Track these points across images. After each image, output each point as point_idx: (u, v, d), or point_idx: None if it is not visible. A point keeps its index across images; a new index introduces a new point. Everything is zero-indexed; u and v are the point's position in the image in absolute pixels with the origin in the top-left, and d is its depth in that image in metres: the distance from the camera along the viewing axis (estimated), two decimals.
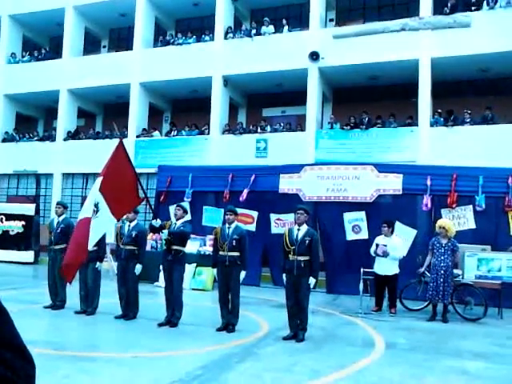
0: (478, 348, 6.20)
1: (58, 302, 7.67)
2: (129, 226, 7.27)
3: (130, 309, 7.11)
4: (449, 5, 13.79)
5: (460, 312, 8.22)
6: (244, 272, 6.52)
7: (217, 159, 14.96)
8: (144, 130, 17.18)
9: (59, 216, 7.92)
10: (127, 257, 7.13)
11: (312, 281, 6.08)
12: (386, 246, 8.46)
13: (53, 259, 7.69)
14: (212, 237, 7.89)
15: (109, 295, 7.84)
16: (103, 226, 6.39)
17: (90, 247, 6.37)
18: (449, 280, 7.97)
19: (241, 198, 11.43)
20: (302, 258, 6.06)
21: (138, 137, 16.89)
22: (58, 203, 8.32)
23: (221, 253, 6.51)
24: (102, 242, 7.24)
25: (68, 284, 6.85)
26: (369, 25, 14.70)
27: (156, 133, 17.15)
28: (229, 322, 6.51)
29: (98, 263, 7.43)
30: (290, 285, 6.16)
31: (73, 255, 5.94)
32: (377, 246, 8.60)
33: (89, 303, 7.40)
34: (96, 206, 6.15)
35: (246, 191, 11.47)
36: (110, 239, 8.73)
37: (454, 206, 10.10)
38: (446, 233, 8.12)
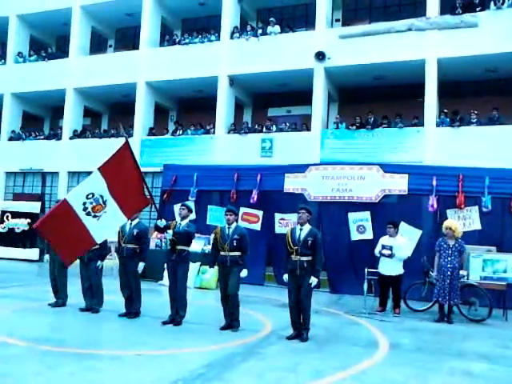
0: (483, 349, 6.17)
1: (60, 299, 7.71)
2: (130, 224, 7.24)
3: (132, 306, 7.14)
4: (457, 4, 13.71)
5: (464, 313, 8.18)
6: (246, 270, 6.52)
7: (222, 158, 14.98)
8: (151, 128, 17.24)
9: None
10: (129, 255, 7.13)
11: (313, 280, 6.04)
12: (391, 247, 8.43)
13: (53, 257, 7.70)
14: None
15: (113, 293, 7.86)
16: (112, 223, 6.40)
17: (99, 241, 6.39)
18: (455, 281, 7.93)
19: (252, 200, 11.43)
20: (304, 258, 6.05)
21: (148, 135, 16.97)
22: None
23: (222, 253, 6.51)
24: (103, 241, 7.22)
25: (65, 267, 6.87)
26: (375, 25, 14.67)
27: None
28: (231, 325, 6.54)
29: (98, 262, 7.46)
30: (293, 285, 6.15)
31: (70, 242, 5.99)
32: (383, 246, 8.57)
33: (94, 301, 7.43)
34: (104, 202, 6.17)
35: (255, 192, 11.46)
36: (114, 237, 8.68)
37: (462, 206, 10.05)
38: (452, 234, 8.07)
